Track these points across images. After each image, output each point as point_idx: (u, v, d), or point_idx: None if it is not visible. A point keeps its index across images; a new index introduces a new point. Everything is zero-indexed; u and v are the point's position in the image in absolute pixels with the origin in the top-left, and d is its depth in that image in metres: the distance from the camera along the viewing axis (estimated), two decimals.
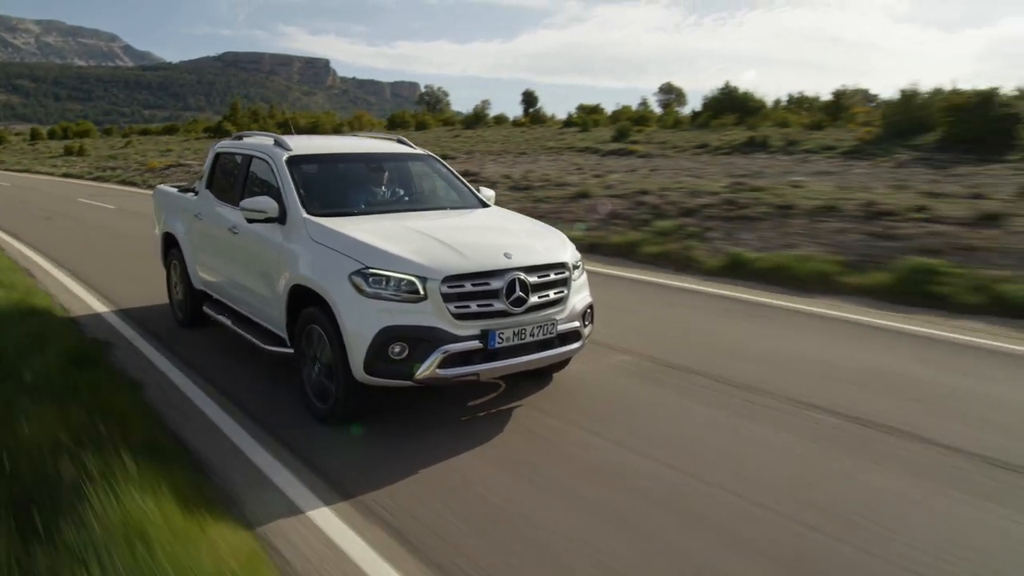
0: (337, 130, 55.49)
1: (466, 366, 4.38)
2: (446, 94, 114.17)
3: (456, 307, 4.35)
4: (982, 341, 6.06)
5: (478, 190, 6.26)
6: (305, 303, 4.81)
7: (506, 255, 4.56)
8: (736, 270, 8.75)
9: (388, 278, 4.36)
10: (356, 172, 6.20)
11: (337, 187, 5.91)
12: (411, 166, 6.41)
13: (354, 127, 60.95)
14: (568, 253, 5.00)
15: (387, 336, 4.27)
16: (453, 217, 5.71)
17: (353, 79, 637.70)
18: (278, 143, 5.90)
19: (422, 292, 4.31)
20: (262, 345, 5.38)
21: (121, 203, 19.69)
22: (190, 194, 7.17)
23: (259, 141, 6.16)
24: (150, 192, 10.34)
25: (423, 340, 4.27)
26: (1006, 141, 17.52)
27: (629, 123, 40.99)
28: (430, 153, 6.60)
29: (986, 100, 18.54)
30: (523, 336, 4.53)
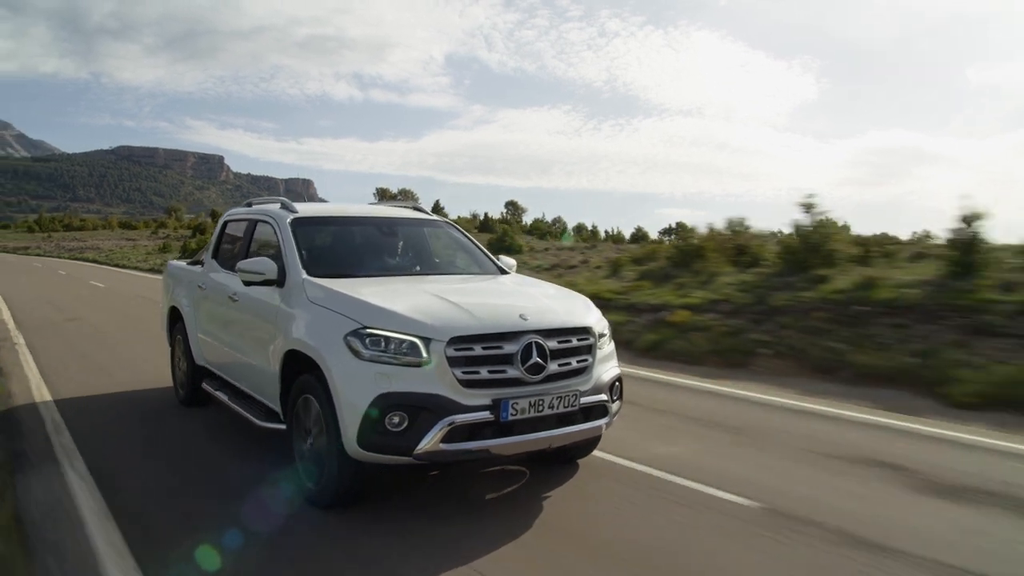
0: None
1: (475, 441, 4.06)
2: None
3: (464, 373, 4.07)
4: None
5: (498, 258, 6.15)
6: (300, 370, 4.57)
7: (522, 316, 4.32)
8: None
9: (388, 339, 4.09)
10: (365, 236, 6.07)
11: (344, 250, 5.82)
12: (425, 231, 6.31)
13: None
14: (593, 318, 4.77)
15: (385, 404, 3.97)
16: (468, 281, 5.56)
17: (248, 174, 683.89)
18: (284, 206, 5.84)
19: (425, 355, 4.04)
20: (256, 421, 5.19)
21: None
22: (198, 267, 7.02)
23: (266, 206, 6.09)
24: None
25: (425, 409, 3.97)
26: None
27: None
28: (447, 220, 6.60)
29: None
30: (540, 408, 4.20)
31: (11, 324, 13.25)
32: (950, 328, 8.71)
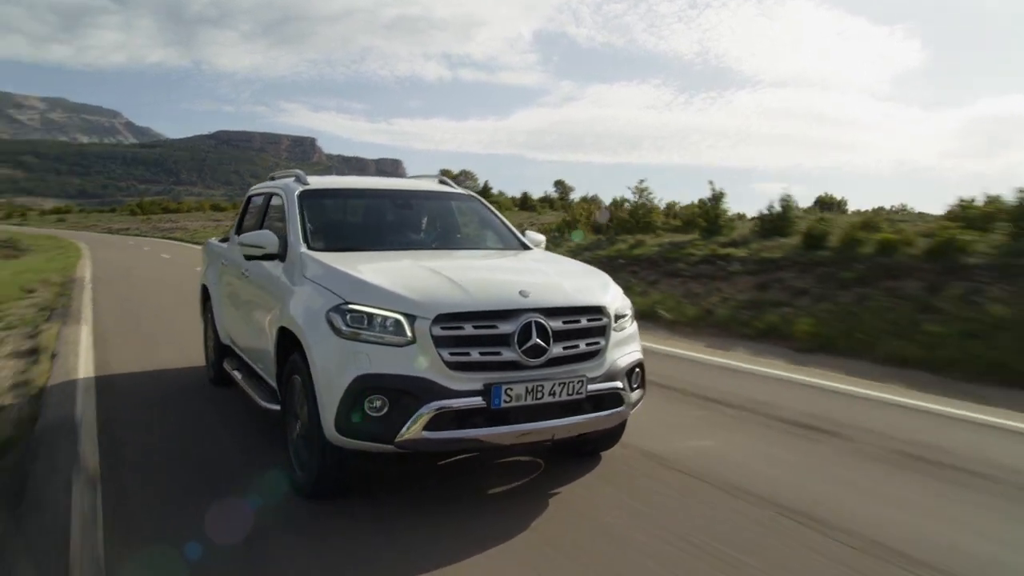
0: None
1: (463, 430, 3.76)
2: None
3: (451, 354, 3.77)
4: None
5: (523, 234, 5.87)
6: (291, 349, 4.33)
7: (522, 293, 4.00)
8: None
9: (370, 316, 3.84)
10: (378, 209, 5.91)
11: (353, 224, 5.73)
12: (447, 205, 6.06)
13: None
14: (609, 296, 4.41)
15: (363, 386, 3.72)
16: (480, 257, 5.34)
17: (339, 156, 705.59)
18: (297, 178, 5.68)
19: (409, 334, 3.78)
20: (259, 402, 5.02)
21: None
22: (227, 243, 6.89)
23: (283, 180, 5.89)
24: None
25: (407, 393, 3.70)
26: None
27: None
28: (472, 193, 6.27)
29: None
30: (539, 395, 3.87)
31: (88, 278, 18.97)
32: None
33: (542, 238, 5.95)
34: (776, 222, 14.21)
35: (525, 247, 5.71)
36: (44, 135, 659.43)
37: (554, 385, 3.96)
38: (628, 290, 5.86)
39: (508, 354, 3.89)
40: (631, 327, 4.62)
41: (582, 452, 5.00)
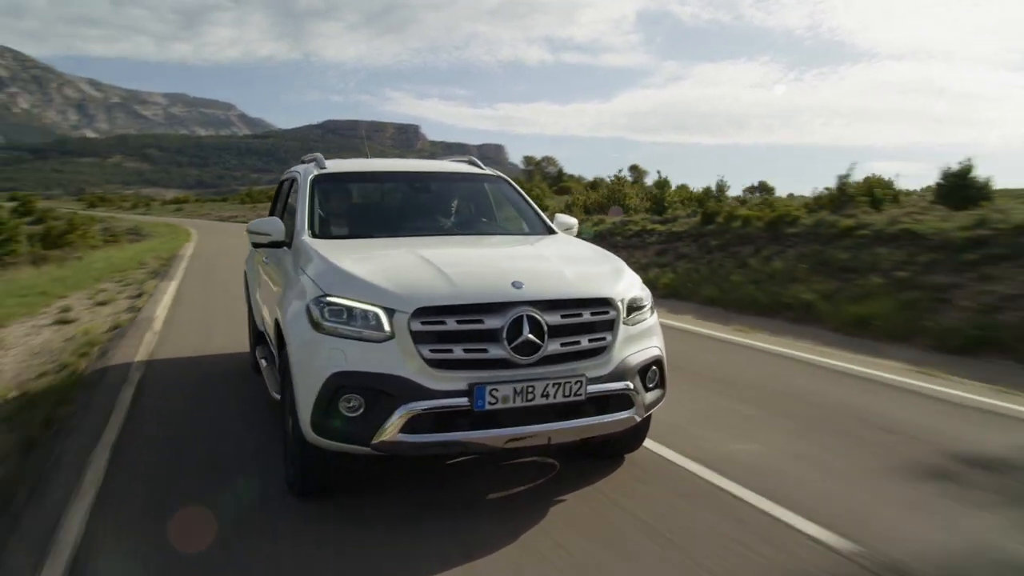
0: None
1: (444, 433, 3.57)
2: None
3: (432, 351, 3.55)
4: None
5: (552, 218, 5.59)
6: (283, 342, 4.19)
7: (515, 284, 3.71)
8: None
9: (350, 309, 3.67)
10: (396, 193, 5.81)
11: (365, 209, 5.60)
12: (471, 187, 5.88)
13: None
14: (620, 287, 4.09)
15: (338, 384, 3.57)
16: (491, 244, 5.04)
17: (442, 142, 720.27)
18: (316, 162, 5.58)
19: (388, 329, 3.58)
20: (271, 392, 4.94)
21: None
22: None
23: (306, 164, 5.82)
24: None
25: (384, 393, 3.52)
26: None
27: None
28: (500, 175, 6.00)
29: None
30: (530, 396, 3.60)
31: (188, 255, 23.98)
32: None
33: (574, 222, 5.64)
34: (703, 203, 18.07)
35: (550, 231, 5.41)
36: (167, 129, 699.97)
37: (548, 386, 3.63)
38: None
39: (496, 351, 3.59)
40: (649, 319, 4.25)
41: (601, 455, 4.66)
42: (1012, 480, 4.62)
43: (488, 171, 6.10)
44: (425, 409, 3.54)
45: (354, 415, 3.59)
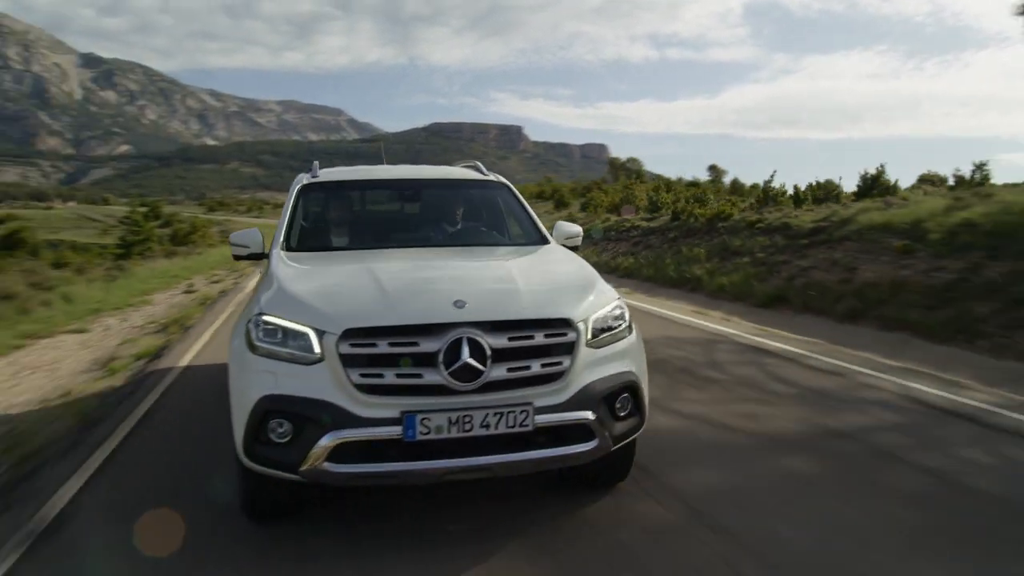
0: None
1: (373, 463, 3.35)
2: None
3: (362, 375, 3.34)
4: None
5: (552, 227, 5.35)
6: None
7: (457, 303, 3.45)
8: None
9: (284, 330, 3.50)
10: (384, 201, 5.75)
11: (346, 219, 5.41)
12: (466, 194, 5.74)
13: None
14: (585, 306, 3.74)
15: (267, 408, 3.39)
16: (460, 256, 4.73)
17: (545, 142, 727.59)
18: (312, 170, 5.57)
19: (318, 350, 3.39)
20: None
21: None
22: None
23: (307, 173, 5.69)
24: None
25: (309, 419, 3.34)
26: None
27: None
28: (501, 181, 5.75)
29: None
30: (467, 427, 3.33)
31: None
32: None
33: (577, 230, 5.39)
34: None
35: (544, 241, 5.14)
36: (280, 135, 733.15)
37: (488, 415, 3.32)
38: None
39: (432, 376, 3.31)
40: (624, 342, 3.85)
41: (587, 482, 4.27)
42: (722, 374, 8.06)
43: (490, 177, 5.80)
44: (352, 438, 3.28)
45: (282, 441, 3.37)
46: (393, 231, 5.43)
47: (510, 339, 3.46)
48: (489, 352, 3.38)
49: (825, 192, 19.16)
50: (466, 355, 3.34)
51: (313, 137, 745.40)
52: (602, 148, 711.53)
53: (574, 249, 5.27)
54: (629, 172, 78.98)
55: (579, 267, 4.48)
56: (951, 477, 4.61)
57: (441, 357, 3.33)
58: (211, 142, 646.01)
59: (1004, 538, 3.83)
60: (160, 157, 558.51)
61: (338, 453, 3.31)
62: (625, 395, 3.77)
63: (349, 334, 3.37)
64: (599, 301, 3.90)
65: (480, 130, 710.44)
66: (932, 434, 5.50)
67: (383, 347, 3.36)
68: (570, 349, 3.58)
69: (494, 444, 3.41)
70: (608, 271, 18.49)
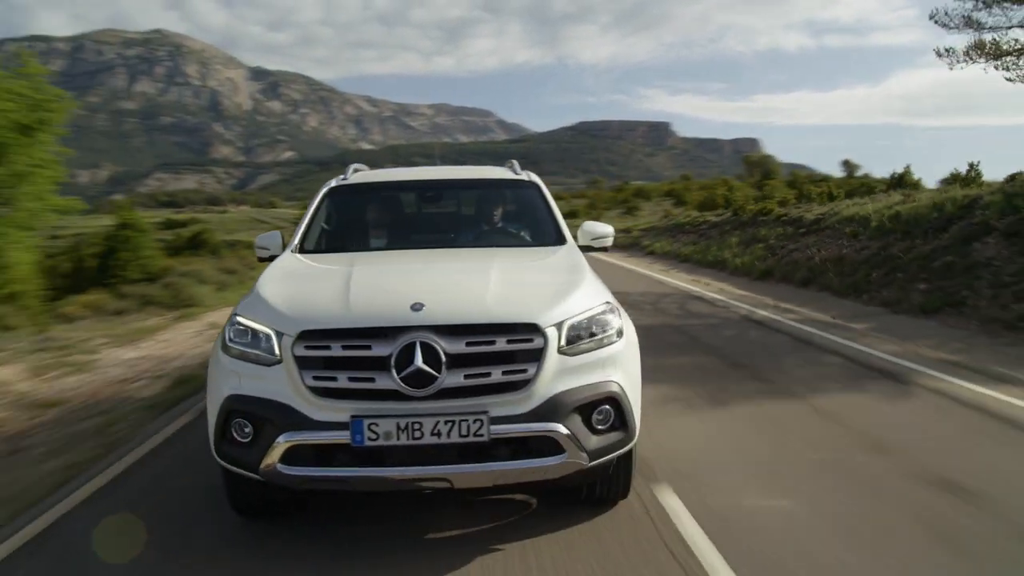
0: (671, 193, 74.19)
1: (324, 467, 3.38)
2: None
3: (315, 378, 3.38)
4: None
5: (575, 229, 5.23)
6: None
7: (414, 306, 3.41)
8: None
9: (253, 331, 3.59)
10: (404, 204, 5.80)
11: (365, 221, 5.47)
12: (493, 195, 5.74)
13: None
14: (559, 310, 3.57)
15: (231, 408, 3.51)
16: (453, 257, 4.70)
17: (694, 138, 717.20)
18: (344, 173, 5.75)
19: (278, 352, 3.47)
20: None
21: None
22: None
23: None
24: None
25: (267, 420, 3.41)
26: None
27: None
28: (532, 180, 5.67)
29: None
30: (417, 434, 3.28)
31: None
32: None
33: (605, 231, 5.19)
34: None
35: (561, 242, 4.97)
36: (432, 138, 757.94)
37: (438, 423, 3.26)
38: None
39: (384, 381, 3.30)
40: (609, 349, 3.64)
41: (585, 501, 4.12)
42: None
43: (521, 176, 5.69)
44: (303, 440, 3.31)
45: (245, 440, 3.46)
46: (412, 233, 5.50)
47: (468, 344, 3.34)
48: (444, 358, 3.28)
49: (898, 181, 23.12)
50: (419, 360, 3.25)
51: (463, 139, 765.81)
52: (753, 143, 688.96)
53: (603, 250, 5.23)
54: (762, 168, 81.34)
55: (571, 268, 4.28)
56: (700, 338, 9.76)
57: (393, 361, 3.26)
58: (367, 146, 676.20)
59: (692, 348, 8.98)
60: (320, 162, 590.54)
61: (290, 455, 3.32)
62: (605, 407, 3.54)
63: (304, 336, 3.38)
64: (580, 305, 3.67)
65: (628, 127, 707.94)
66: (722, 326, 10.67)
67: (336, 350, 3.35)
68: (537, 356, 3.40)
69: (450, 453, 3.32)
70: (671, 257, 23.33)
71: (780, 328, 10.41)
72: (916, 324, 10.37)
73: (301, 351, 3.39)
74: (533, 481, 3.57)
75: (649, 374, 4.18)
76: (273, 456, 3.34)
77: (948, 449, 5.15)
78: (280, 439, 3.32)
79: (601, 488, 4.05)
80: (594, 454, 3.48)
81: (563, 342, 3.49)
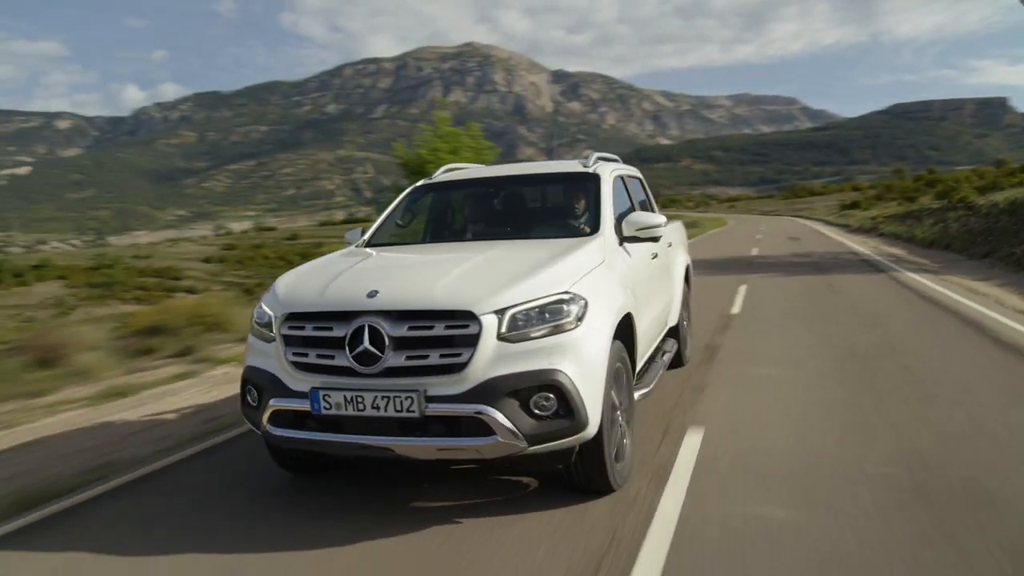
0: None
1: (299, 431, 4.06)
2: None
3: (295, 354, 4.07)
4: None
5: (622, 218, 5.37)
6: None
7: (370, 294, 3.94)
8: None
9: (264, 313, 4.33)
10: (473, 200, 6.18)
11: (427, 218, 6.18)
12: (551, 189, 6.21)
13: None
14: (503, 297, 3.84)
15: (245, 376, 4.34)
16: (470, 249, 4.95)
17: None
18: (442, 171, 6.37)
19: (274, 331, 4.20)
20: None
21: None
22: None
23: None
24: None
25: (264, 388, 4.17)
26: None
27: None
28: (595, 172, 5.75)
29: None
30: (360, 406, 3.79)
31: (710, 235, 44.28)
32: None
33: (652, 221, 5.28)
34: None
35: (592, 233, 5.11)
36: (731, 130, 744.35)
37: (377, 398, 3.74)
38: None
39: (341, 359, 3.86)
40: (557, 337, 3.82)
41: (575, 486, 4.33)
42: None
43: (587, 169, 5.75)
44: (282, 406, 4.01)
45: (254, 404, 4.22)
46: (468, 228, 5.89)
47: (410, 328, 3.76)
48: (388, 340, 3.75)
49: None
50: (366, 341, 3.77)
51: (764, 129, 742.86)
52: None
53: (653, 240, 5.43)
54: None
55: (555, 258, 4.36)
56: (821, 264, 19.67)
57: (347, 341, 3.82)
58: (664, 141, 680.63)
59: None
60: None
61: (275, 418, 4.06)
62: (547, 394, 3.70)
63: (289, 318, 4.10)
64: (530, 293, 3.86)
65: (952, 106, 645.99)
66: (836, 262, 20.63)
67: (309, 330, 4.02)
68: (472, 341, 3.70)
69: (392, 426, 3.78)
70: (886, 235, 31.44)
71: (869, 260, 19.76)
72: (973, 264, 18.63)
73: (286, 330, 4.10)
74: (482, 459, 3.93)
75: (783, 269, 15.39)
76: (265, 417, 4.09)
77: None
78: (271, 403, 4.05)
79: (577, 476, 4.21)
80: (533, 439, 3.69)
81: (503, 329, 3.75)
